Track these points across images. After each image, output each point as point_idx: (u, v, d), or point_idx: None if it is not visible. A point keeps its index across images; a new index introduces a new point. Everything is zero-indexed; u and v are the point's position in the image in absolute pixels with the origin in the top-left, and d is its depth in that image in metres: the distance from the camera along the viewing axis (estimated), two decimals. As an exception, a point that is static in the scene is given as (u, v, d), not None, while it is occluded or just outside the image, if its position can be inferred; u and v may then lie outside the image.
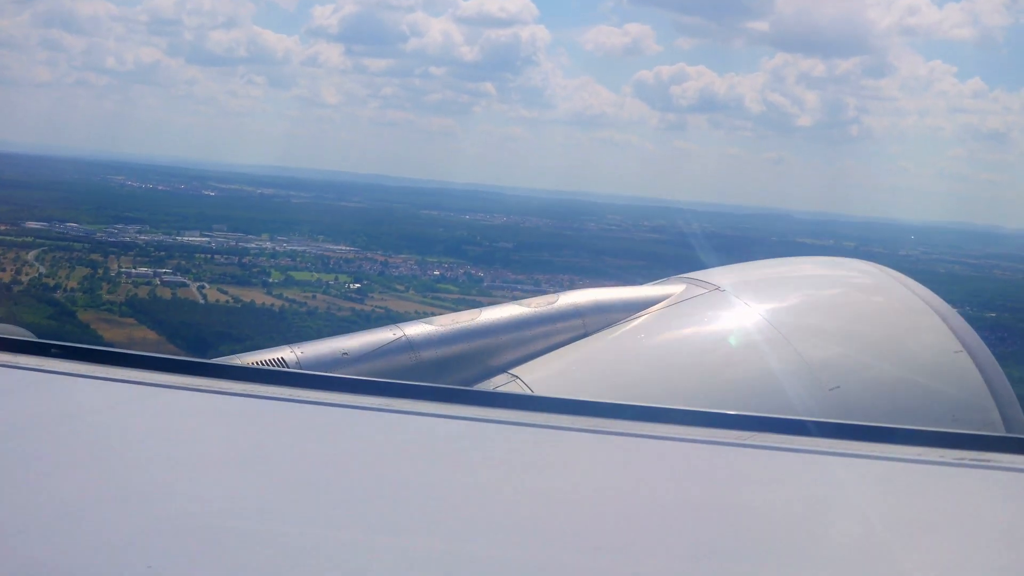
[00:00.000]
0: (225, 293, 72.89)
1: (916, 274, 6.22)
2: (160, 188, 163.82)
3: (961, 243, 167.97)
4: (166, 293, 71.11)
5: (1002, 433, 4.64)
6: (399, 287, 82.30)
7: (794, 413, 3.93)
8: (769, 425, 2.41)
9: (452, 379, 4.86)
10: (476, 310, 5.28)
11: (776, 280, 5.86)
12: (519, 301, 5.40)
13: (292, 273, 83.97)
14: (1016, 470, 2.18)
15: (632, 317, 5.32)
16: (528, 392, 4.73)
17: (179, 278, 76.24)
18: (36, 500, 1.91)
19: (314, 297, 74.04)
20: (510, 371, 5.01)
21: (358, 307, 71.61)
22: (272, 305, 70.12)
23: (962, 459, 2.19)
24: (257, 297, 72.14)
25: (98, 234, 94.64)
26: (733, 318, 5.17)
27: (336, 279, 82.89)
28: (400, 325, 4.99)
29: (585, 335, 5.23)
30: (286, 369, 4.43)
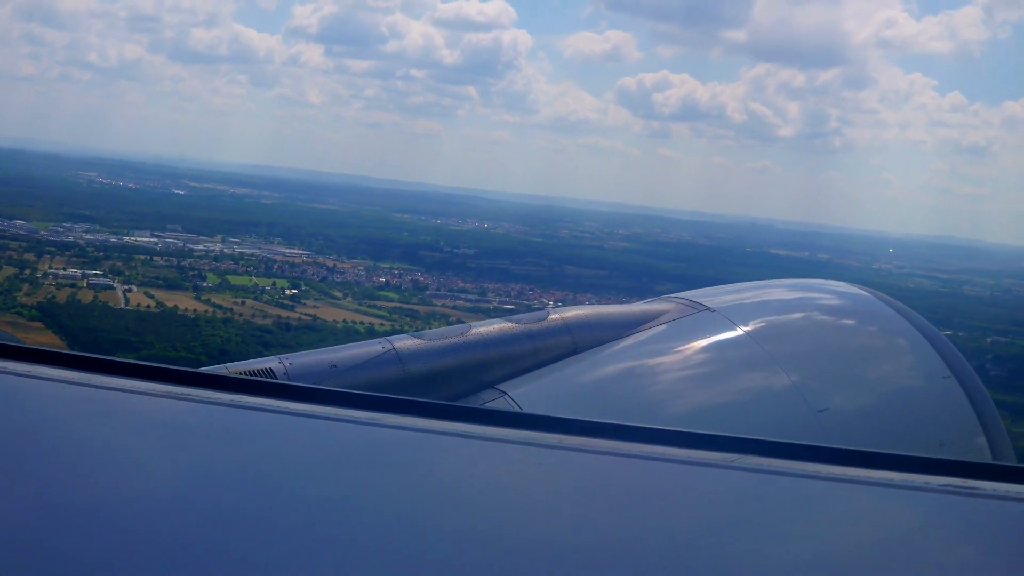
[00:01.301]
0: (151, 297, 70.94)
1: (884, 287, 6.27)
2: (130, 186, 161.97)
3: (940, 257, 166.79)
4: (87, 296, 69.10)
5: (989, 461, 4.64)
6: (337, 294, 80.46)
7: (782, 435, 3.71)
8: (756, 447, 2.34)
9: (440, 394, 4.82)
10: (466, 325, 5.27)
11: (767, 302, 5.78)
12: (508, 317, 5.35)
13: (229, 277, 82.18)
14: (1002, 498, 2.12)
15: (623, 336, 5.31)
16: (516, 408, 4.72)
17: (106, 280, 74.45)
18: (21, 508, 1.92)
19: (243, 303, 72.07)
20: (498, 387, 4.98)
21: (284, 314, 69.82)
22: (194, 310, 68.15)
23: (948, 486, 2.14)
24: (182, 302, 70.18)
25: (41, 232, 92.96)
26: (723, 340, 5.16)
27: (274, 284, 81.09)
28: (389, 338, 4.96)
29: (574, 352, 5.22)
30: (273, 380, 4.34)
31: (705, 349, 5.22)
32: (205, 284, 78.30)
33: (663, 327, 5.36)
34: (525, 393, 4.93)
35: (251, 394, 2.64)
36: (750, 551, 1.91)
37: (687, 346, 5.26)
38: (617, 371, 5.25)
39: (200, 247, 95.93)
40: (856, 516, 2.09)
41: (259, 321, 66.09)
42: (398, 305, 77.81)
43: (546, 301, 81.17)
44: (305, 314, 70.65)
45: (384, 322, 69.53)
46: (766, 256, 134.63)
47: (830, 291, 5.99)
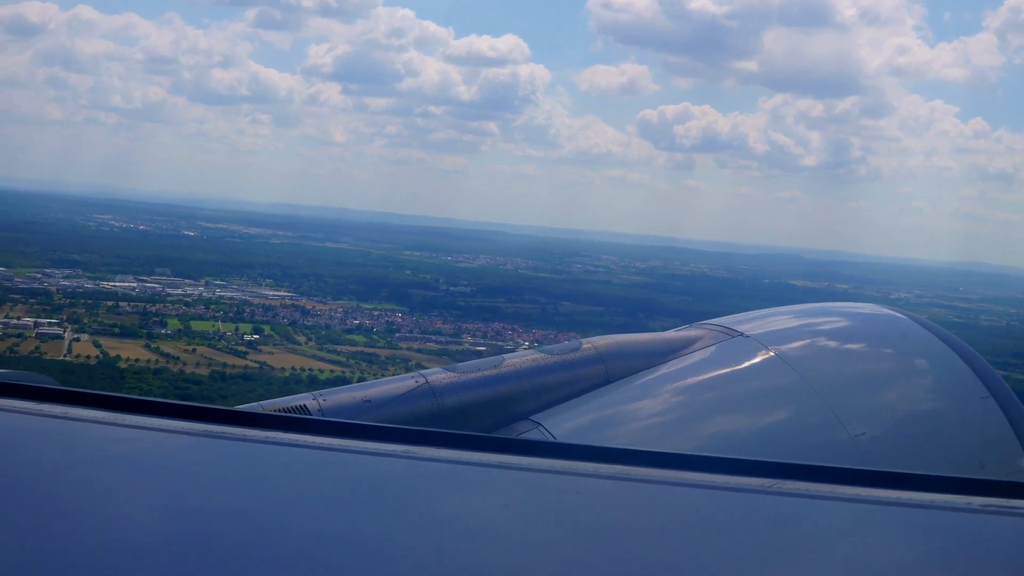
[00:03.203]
0: (98, 347, 68.71)
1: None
2: (140, 228, 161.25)
3: (968, 285, 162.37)
4: (30, 346, 66.78)
5: None
6: (300, 339, 77.79)
7: (820, 460, 3.86)
8: (794, 472, 2.37)
9: (474, 426, 4.81)
10: (499, 357, 5.22)
11: (800, 327, 5.64)
12: (540, 348, 5.34)
13: (193, 323, 79.85)
14: None
15: (656, 364, 5.26)
16: (551, 439, 4.72)
17: (57, 330, 72.28)
18: (58, 548, 1.96)
19: (193, 351, 69.74)
20: (532, 418, 4.97)
21: (232, 362, 67.31)
22: (135, 360, 65.71)
23: (990, 506, 2.14)
24: (128, 350, 67.80)
25: (16, 279, 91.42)
26: (756, 366, 5.08)
27: (236, 329, 78.68)
28: (423, 372, 5.00)
29: (608, 382, 5.18)
30: (308, 416, 4.36)
31: (739, 375, 5.14)
32: (163, 331, 75.97)
33: (696, 354, 5.30)
34: (560, 423, 4.90)
35: (287, 431, 2.64)
36: (789, 574, 1.93)
37: (721, 373, 5.21)
38: (651, 399, 5.23)
39: (179, 291, 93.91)
40: (897, 538, 2.08)
41: (199, 371, 63.59)
42: (361, 349, 75.06)
43: (522, 341, 78.42)
44: (255, 361, 68.12)
45: (337, 368, 66.96)
46: (784, 287, 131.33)
47: (863, 313, 5.90)
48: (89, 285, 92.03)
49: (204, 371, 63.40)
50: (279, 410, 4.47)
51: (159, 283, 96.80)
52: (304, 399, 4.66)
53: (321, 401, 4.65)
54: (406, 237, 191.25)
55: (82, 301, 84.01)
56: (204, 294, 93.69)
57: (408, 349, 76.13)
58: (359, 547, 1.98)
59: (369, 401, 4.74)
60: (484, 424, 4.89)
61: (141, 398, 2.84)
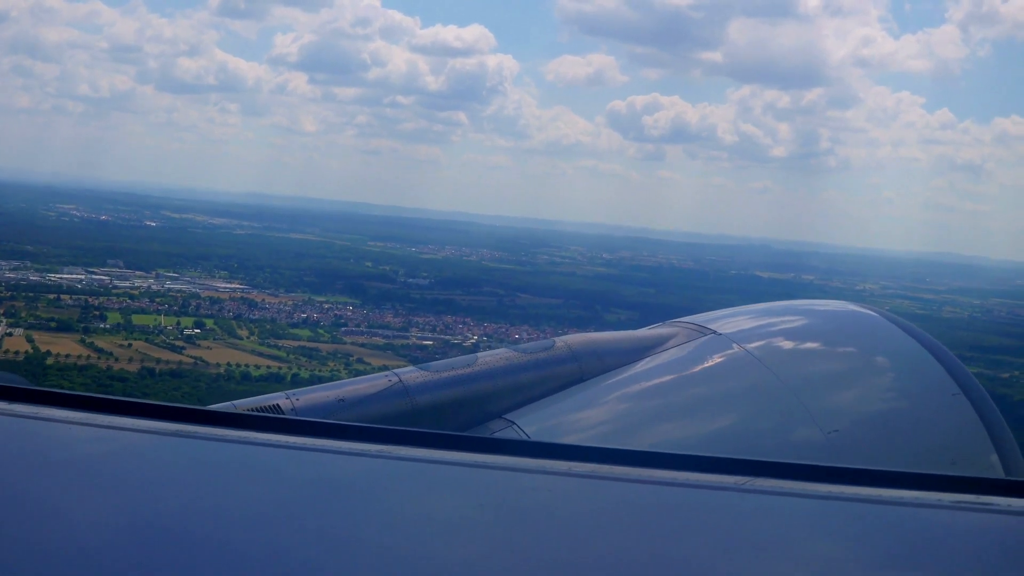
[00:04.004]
0: (30, 342, 67.01)
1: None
2: (102, 218, 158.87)
3: (937, 275, 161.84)
4: (-42, 341, 65.22)
5: (1001, 476, 4.73)
6: (243, 333, 76.17)
7: (793, 457, 3.87)
8: (768, 470, 2.39)
9: (448, 425, 4.83)
10: (472, 356, 5.24)
11: (772, 324, 5.65)
12: (514, 347, 5.31)
13: (135, 316, 78.12)
14: (1016, 513, 2.17)
15: (629, 363, 5.27)
16: (525, 437, 4.77)
17: (-11, 324, 70.54)
18: (28, 548, 1.97)
19: (129, 346, 68.11)
20: (506, 416, 4.98)
21: (166, 357, 65.71)
22: (66, 355, 64.01)
23: (961, 502, 2.17)
24: (61, 345, 65.98)
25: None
26: (730, 364, 5.12)
27: (178, 323, 77.03)
28: (396, 371, 4.99)
29: (581, 380, 5.19)
30: (281, 416, 4.34)
31: (712, 374, 5.13)
32: (102, 325, 74.23)
33: (669, 353, 5.29)
34: (533, 422, 4.89)
35: (260, 430, 2.63)
36: (764, 573, 1.95)
37: (694, 371, 5.20)
38: (624, 398, 5.20)
39: (127, 283, 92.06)
40: (869, 535, 2.10)
41: (129, 367, 61.97)
42: (303, 344, 73.56)
43: (471, 335, 77.13)
44: (190, 357, 66.54)
45: (274, 364, 65.50)
46: (750, 278, 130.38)
47: (836, 311, 5.82)
48: (35, 278, 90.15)
49: (134, 367, 61.80)
50: (252, 410, 4.44)
51: (108, 275, 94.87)
52: (277, 398, 4.63)
53: (294, 400, 4.63)
54: (374, 227, 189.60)
55: (24, 294, 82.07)
56: (153, 286, 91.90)
57: (352, 344, 74.67)
58: (334, 546, 1.96)
59: (343, 400, 4.73)
60: (458, 423, 4.88)
61: (112, 398, 2.80)
